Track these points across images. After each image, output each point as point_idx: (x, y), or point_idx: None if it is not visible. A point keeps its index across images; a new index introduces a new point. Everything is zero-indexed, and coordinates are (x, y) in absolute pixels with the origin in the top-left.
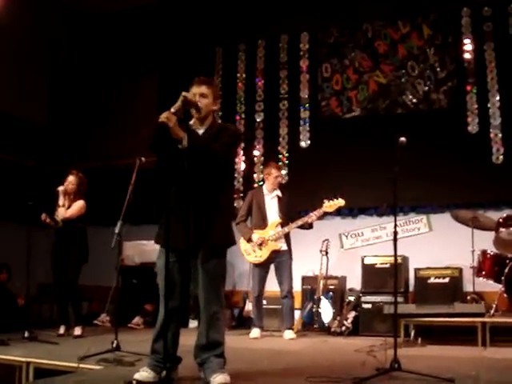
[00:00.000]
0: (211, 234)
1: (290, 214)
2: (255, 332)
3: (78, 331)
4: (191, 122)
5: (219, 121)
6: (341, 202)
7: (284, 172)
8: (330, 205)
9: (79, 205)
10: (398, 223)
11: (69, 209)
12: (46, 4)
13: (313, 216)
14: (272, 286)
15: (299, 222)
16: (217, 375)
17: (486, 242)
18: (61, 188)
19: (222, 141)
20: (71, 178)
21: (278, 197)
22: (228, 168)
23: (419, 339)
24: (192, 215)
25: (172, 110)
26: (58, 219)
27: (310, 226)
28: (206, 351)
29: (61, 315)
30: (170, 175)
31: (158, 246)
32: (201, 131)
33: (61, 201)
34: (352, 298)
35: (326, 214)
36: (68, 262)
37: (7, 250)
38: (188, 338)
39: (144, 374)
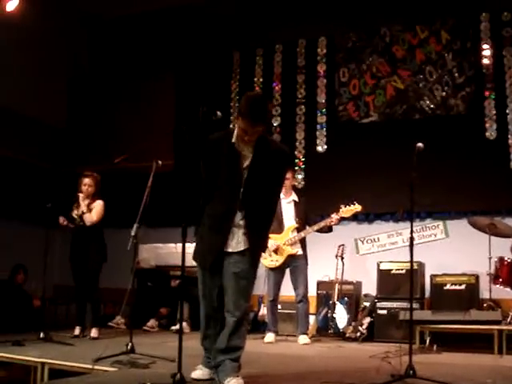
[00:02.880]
0: (253, 241)
1: (306, 218)
2: (270, 336)
3: (94, 333)
4: (234, 140)
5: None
6: (357, 207)
7: (300, 176)
8: (346, 210)
9: (101, 205)
10: (414, 229)
11: (91, 211)
12: (66, 8)
13: (332, 218)
14: (287, 290)
15: (315, 227)
16: (231, 379)
17: (503, 248)
18: (81, 195)
19: (274, 185)
20: (87, 180)
21: (295, 201)
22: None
23: (435, 346)
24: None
25: None
26: (85, 223)
27: (329, 229)
28: (223, 354)
29: (77, 316)
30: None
31: (172, 249)
32: (248, 154)
33: (83, 206)
34: (367, 304)
35: (342, 219)
36: (88, 262)
37: (24, 252)
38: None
39: (199, 372)
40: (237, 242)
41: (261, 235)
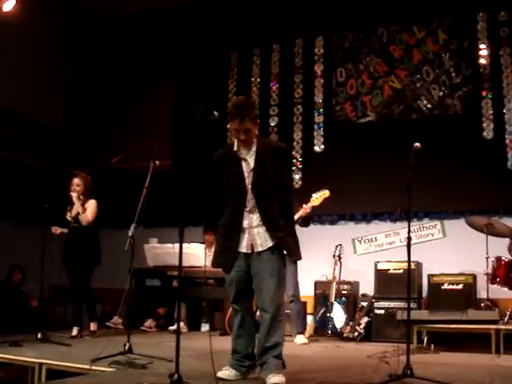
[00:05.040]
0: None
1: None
2: None
3: (93, 327)
4: (235, 149)
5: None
6: (325, 193)
7: (298, 176)
8: (315, 198)
9: (94, 204)
10: (411, 229)
11: (86, 211)
12: (64, 7)
13: (300, 212)
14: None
15: None
16: (272, 375)
17: (500, 248)
18: (74, 194)
19: (285, 181)
20: (77, 181)
21: None
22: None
23: (432, 346)
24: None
25: None
26: (81, 223)
27: (304, 223)
28: (266, 353)
29: (74, 316)
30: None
31: (170, 249)
32: (250, 158)
33: (77, 207)
34: (365, 304)
35: (313, 208)
36: (81, 263)
37: (21, 252)
38: (200, 342)
39: (226, 372)
40: (264, 240)
41: (281, 230)
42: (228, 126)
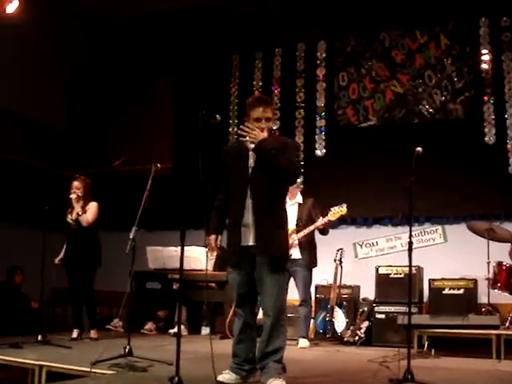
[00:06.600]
0: (273, 245)
1: (311, 219)
2: None
3: (93, 334)
4: (246, 138)
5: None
6: (343, 210)
7: (299, 180)
8: (333, 213)
9: (95, 206)
10: (413, 233)
11: (86, 213)
12: (65, 9)
13: (317, 223)
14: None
15: (306, 231)
16: (273, 380)
17: (501, 253)
18: (73, 196)
19: (286, 155)
20: (76, 183)
21: (299, 204)
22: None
23: (433, 350)
24: (255, 226)
25: None
26: (81, 224)
27: (322, 232)
28: (266, 358)
29: (74, 319)
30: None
31: (172, 252)
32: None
33: (78, 209)
34: (365, 308)
35: (339, 222)
36: (83, 266)
37: (21, 254)
38: (200, 345)
39: (226, 376)
40: (252, 238)
41: (269, 232)
42: (230, 129)
